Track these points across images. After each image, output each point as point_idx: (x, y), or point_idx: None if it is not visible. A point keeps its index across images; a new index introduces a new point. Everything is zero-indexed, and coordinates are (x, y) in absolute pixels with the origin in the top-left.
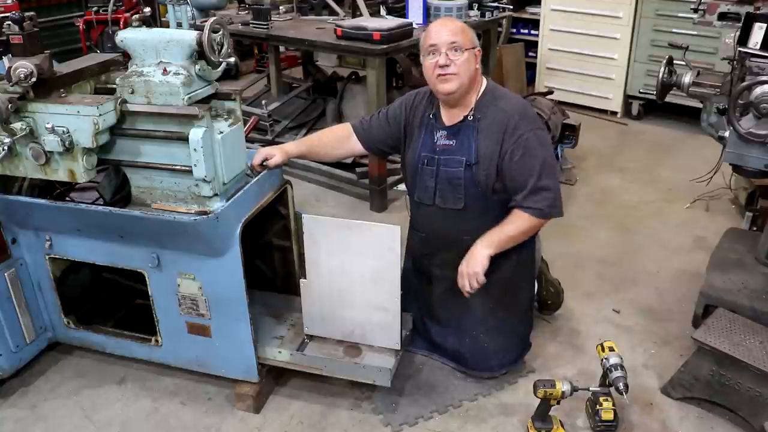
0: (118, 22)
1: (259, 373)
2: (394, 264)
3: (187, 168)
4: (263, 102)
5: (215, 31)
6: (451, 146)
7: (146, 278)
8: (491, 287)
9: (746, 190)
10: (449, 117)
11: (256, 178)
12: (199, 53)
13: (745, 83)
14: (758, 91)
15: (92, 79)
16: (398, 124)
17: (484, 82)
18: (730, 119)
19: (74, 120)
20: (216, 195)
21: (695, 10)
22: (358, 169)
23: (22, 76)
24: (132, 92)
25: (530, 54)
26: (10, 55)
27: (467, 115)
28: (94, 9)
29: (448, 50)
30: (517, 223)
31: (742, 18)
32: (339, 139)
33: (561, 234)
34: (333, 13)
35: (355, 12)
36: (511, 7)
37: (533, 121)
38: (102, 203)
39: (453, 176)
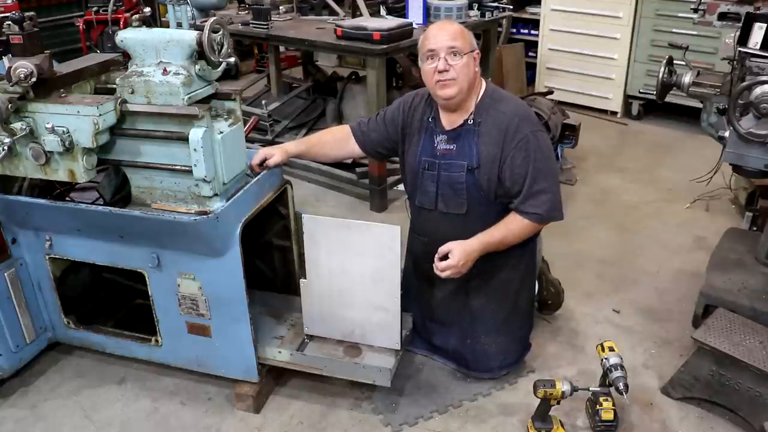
0: (118, 22)
1: (259, 373)
2: (394, 264)
3: (187, 168)
4: (263, 102)
5: (215, 31)
6: (451, 151)
7: (146, 278)
8: (493, 289)
9: (746, 190)
10: (449, 121)
11: (256, 178)
12: (199, 53)
13: (745, 83)
14: (758, 91)
15: (92, 79)
16: (396, 126)
17: (484, 84)
18: (730, 119)
19: (74, 120)
20: (216, 195)
21: (695, 10)
22: (358, 169)
23: (22, 76)
24: (132, 92)
25: (530, 54)
26: (10, 55)
27: (467, 119)
28: (94, 9)
29: (447, 55)
30: (513, 228)
31: (742, 18)
32: (338, 140)
33: (561, 234)
34: (333, 13)
35: (355, 12)
36: (511, 7)
37: (534, 124)
38: (102, 203)
39: (455, 181)
